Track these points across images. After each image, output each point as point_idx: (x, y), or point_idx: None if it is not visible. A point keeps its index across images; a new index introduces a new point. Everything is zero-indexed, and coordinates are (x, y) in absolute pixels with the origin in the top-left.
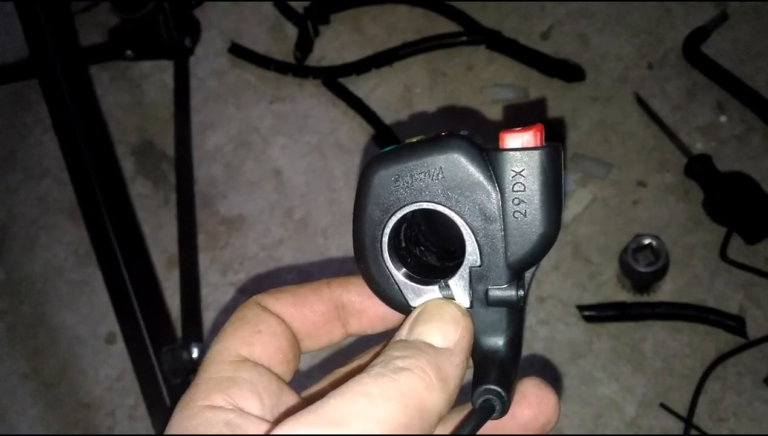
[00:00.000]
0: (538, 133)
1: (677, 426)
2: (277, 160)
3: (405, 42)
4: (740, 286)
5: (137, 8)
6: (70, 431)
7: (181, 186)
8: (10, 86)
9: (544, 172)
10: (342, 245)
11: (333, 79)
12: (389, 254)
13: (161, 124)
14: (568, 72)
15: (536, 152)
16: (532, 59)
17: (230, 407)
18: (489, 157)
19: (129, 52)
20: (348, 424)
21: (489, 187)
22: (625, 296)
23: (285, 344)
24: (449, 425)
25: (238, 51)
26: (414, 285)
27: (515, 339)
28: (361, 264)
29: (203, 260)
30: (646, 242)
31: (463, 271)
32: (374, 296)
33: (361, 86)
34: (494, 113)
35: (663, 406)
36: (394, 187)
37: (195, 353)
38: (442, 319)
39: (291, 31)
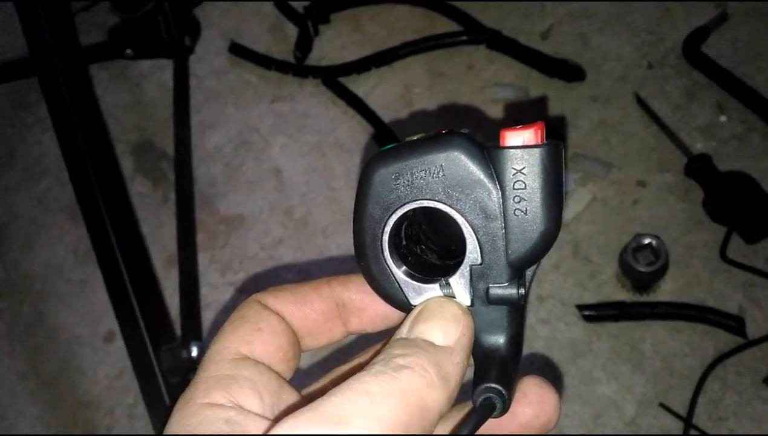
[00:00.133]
0: (539, 131)
1: (677, 426)
2: (277, 159)
3: (405, 41)
4: (740, 286)
5: (137, 7)
6: (69, 430)
7: (180, 185)
8: (10, 85)
9: (545, 170)
10: (342, 245)
11: (333, 78)
12: (390, 252)
13: (161, 123)
14: (569, 72)
15: (537, 150)
16: (532, 59)
17: (230, 405)
18: (490, 155)
19: (129, 51)
20: (348, 422)
21: (490, 185)
22: (624, 295)
23: (285, 342)
24: (450, 424)
25: (238, 50)
26: (414, 283)
27: (516, 337)
28: (361, 262)
29: (203, 259)
30: (646, 241)
31: (464, 269)
32: (375, 294)
33: (361, 86)
34: (494, 112)
35: (662, 406)
36: (395, 185)
37: (194, 352)
38: (443, 317)
39: (291, 31)
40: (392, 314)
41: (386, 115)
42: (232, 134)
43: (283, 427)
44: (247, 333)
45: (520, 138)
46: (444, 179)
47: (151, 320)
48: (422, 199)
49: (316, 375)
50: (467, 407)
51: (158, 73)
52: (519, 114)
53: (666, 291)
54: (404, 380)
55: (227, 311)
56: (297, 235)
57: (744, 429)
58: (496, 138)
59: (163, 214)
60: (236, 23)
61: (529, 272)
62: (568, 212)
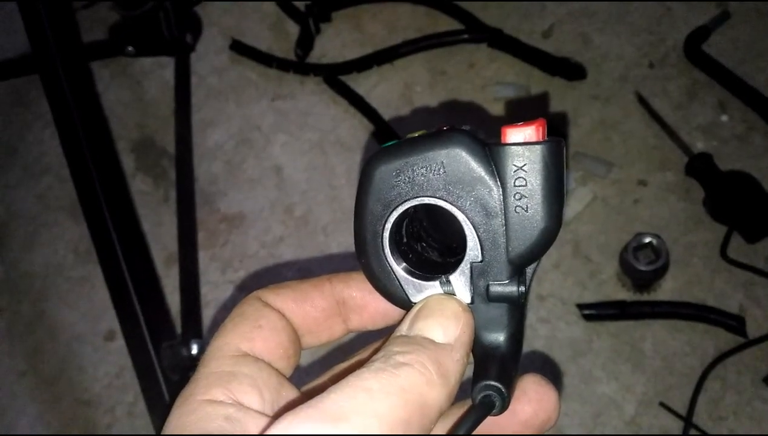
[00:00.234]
0: (541, 128)
1: (677, 425)
2: (278, 157)
3: (406, 40)
4: (740, 285)
5: (138, 5)
6: (69, 429)
7: (181, 183)
8: (11, 82)
9: (546, 167)
10: (343, 242)
11: (334, 76)
12: (390, 249)
13: (162, 120)
14: (570, 70)
15: (538, 147)
16: (533, 57)
17: (230, 402)
18: (491, 151)
19: (130, 49)
20: (348, 418)
21: (490, 182)
22: (625, 294)
23: (285, 339)
24: (449, 421)
25: (239, 48)
26: (415, 280)
27: (516, 335)
28: (362, 259)
29: (203, 257)
30: (647, 240)
31: (464, 266)
32: (375, 291)
33: (362, 84)
34: (496, 111)
35: (662, 405)
36: (396, 182)
37: (194, 350)
38: (443, 314)
39: (292, 29)
40: (393, 311)
41: (387, 114)
42: (232, 132)
43: (283, 424)
44: (247, 330)
45: (521, 135)
46: (445, 176)
47: (152, 318)
48: (423, 197)
49: (316, 373)
50: (467, 404)
51: (159, 70)
52: (520, 112)
53: (666, 290)
54: (404, 377)
55: (227, 308)
56: (297, 233)
57: (744, 429)
58: (497, 135)
59: (164, 212)
60: (237, 21)
61: (529, 270)
62: (569, 211)
